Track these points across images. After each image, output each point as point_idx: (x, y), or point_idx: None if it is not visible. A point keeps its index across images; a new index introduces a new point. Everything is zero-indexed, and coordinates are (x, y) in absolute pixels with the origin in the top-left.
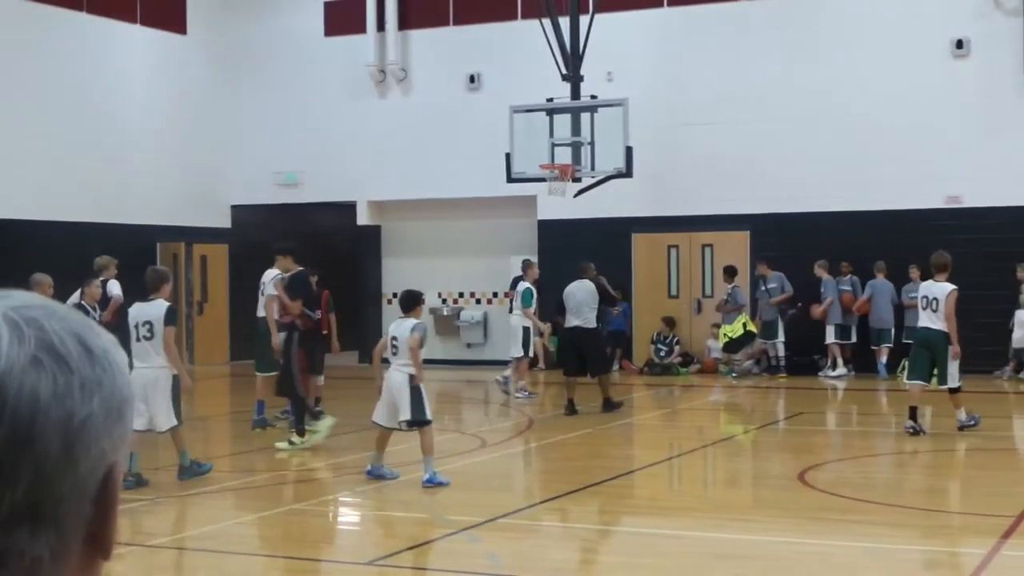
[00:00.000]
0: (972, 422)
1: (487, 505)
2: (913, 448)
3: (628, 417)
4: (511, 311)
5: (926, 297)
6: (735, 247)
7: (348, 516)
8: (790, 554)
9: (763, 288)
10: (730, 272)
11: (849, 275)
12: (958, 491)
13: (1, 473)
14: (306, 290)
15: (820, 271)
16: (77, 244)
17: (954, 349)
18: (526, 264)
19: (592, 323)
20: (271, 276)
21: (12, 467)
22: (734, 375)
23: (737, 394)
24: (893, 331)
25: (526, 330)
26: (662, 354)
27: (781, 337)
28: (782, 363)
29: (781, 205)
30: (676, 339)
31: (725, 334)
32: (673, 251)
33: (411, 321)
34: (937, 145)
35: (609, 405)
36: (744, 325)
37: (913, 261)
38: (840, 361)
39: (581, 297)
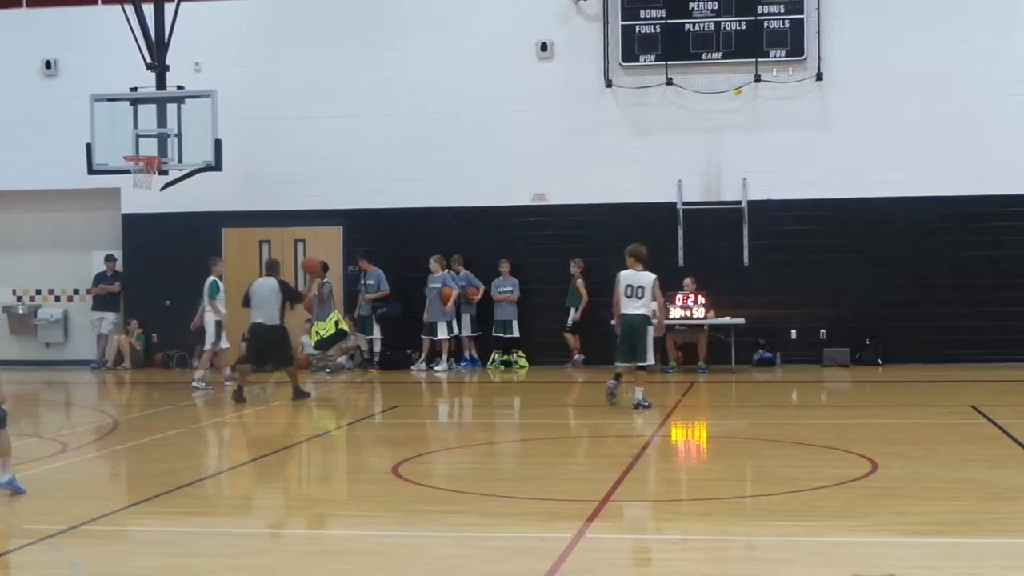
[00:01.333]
0: (647, 405)
1: (69, 512)
2: (503, 438)
3: (221, 416)
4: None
5: (630, 286)
6: (329, 242)
7: None
8: (385, 547)
9: (362, 283)
10: (322, 267)
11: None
12: (546, 478)
13: None
14: None
15: (435, 265)
16: None
17: (658, 325)
18: (213, 261)
19: (275, 319)
20: None
21: None
22: (328, 371)
23: (331, 390)
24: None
25: (218, 323)
26: None
27: (377, 333)
28: (376, 358)
29: (373, 200)
30: None
31: (317, 332)
32: (265, 246)
33: None
34: (524, 144)
35: (299, 394)
36: (336, 323)
37: (501, 256)
38: (444, 356)
39: (264, 294)
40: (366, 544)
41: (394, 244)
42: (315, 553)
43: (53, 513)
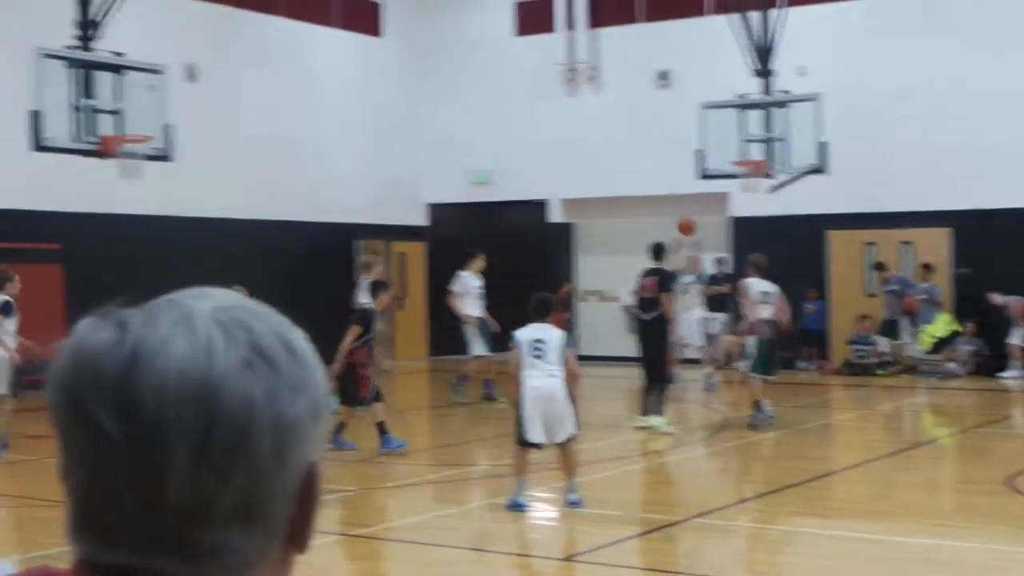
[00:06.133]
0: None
1: (685, 504)
2: None
3: (825, 419)
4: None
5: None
6: (935, 244)
7: (541, 511)
8: (998, 562)
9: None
10: (927, 269)
11: None
12: None
13: (219, 474)
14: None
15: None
16: (280, 242)
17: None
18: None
19: None
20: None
21: (229, 468)
22: (938, 375)
23: (941, 395)
24: None
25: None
26: (861, 355)
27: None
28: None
29: (983, 201)
30: (874, 339)
31: (931, 334)
32: (869, 248)
33: (556, 329)
34: None
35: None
36: (948, 324)
37: None
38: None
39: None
40: (973, 556)
41: (1007, 247)
42: (920, 562)
43: (671, 504)
